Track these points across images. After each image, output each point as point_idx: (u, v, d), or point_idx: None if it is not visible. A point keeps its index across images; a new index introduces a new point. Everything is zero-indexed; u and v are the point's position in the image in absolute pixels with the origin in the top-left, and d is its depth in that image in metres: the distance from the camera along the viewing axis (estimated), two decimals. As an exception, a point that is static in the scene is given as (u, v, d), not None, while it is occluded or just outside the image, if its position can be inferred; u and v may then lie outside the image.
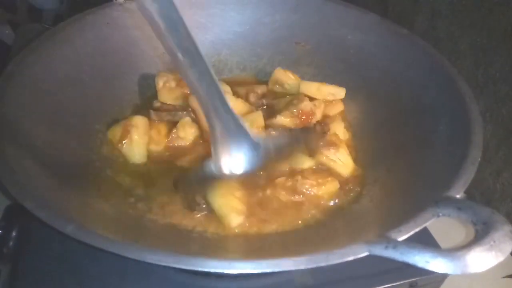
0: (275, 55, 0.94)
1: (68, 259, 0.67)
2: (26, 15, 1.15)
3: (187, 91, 0.81)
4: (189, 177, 0.72)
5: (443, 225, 0.75)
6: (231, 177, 0.67)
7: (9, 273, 0.67)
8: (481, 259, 0.43)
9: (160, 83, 0.83)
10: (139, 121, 0.76)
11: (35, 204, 0.49)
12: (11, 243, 0.69)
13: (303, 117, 0.81)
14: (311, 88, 0.87)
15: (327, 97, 0.87)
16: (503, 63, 0.87)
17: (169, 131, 0.79)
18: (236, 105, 0.80)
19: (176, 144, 0.78)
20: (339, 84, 0.88)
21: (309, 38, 0.93)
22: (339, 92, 0.87)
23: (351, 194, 0.73)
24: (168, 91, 0.83)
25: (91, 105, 0.77)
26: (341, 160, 0.75)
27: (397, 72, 0.82)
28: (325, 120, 0.83)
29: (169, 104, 0.83)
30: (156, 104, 0.83)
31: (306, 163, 0.75)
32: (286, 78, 0.90)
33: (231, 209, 0.66)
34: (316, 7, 0.92)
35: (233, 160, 0.66)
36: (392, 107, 0.80)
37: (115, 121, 0.78)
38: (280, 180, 0.72)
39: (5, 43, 1.12)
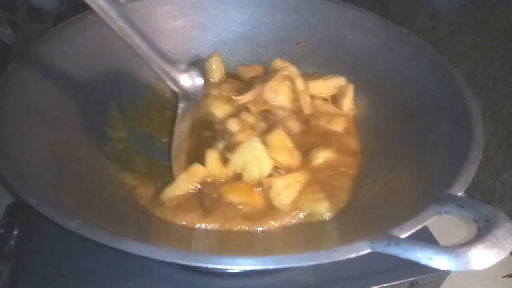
0: (276, 55, 0.93)
1: (69, 258, 0.67)
2: (26, 15, 1.15)
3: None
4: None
5: (444, 224, 0.75)
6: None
7: (10, 272, 0.67)
8: (484, 256, 0.43)
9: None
10: None
11: (39, 201, 0.49)
12: (12, 242, 0.69)
13: None
14: (318, 85, 0.88)
15: (333, 91, 0.88)
16: (503, 63, 0.87)
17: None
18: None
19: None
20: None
21: (310, 38, 0.93)
22: (341, 81, 0.88)
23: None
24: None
25: (91, 104, 0.77)
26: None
27: (397, 72, 0.82)
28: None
29: None
30: None
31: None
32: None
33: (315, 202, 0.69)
34: (317, 7, 0.92)
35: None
36: (392, 106, 0.80)
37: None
38: None
39: (5, 43, 1.12)
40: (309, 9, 0.92)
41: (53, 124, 0.68)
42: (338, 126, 0.83)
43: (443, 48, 0.98)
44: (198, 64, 0.85)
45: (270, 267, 0.45)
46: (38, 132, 0.64)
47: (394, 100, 0.81)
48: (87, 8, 0.81)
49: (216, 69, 0.88)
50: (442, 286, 0.74)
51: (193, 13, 0.90)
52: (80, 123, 0.73)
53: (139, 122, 0.82)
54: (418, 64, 0.80)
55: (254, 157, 0.70)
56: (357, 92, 0.87)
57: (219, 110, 0.80)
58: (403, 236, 0.47)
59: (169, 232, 0.63)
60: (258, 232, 0.65)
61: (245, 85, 0.86)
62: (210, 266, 0.45)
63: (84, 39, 0.79)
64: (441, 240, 0.73)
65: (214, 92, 0.83)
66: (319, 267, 0.68)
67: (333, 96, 0.89)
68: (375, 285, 0.67)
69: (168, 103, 0.86)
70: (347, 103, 0.86)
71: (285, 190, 0.69)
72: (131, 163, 0.75)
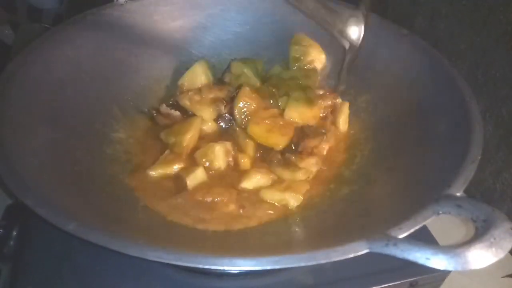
0: (275, 55, 0.93)
1: (68, 258, 0.67)
2: (26, 15, 1.15)
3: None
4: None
5: (443, 224, 0.75)
6: None
7: (9, 272, 0.67)
8: (482, 256, 0.43)
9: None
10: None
11: (37, 202, 0.49)
12: (11, 243, 0.69)
13: None
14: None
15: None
16: (503, 63, 0.87)
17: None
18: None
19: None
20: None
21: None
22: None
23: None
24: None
25: (91, 105, 0.77)
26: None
27: (397, 72, 0.82)
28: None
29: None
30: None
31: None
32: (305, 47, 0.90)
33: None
34: (316, 8, 0.92)
35: None
36: (392, 106, 0.80)
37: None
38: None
39: (5, 43, 1.12)
40: (309, 9, 0.92)
41: (53, 124, 0.68)
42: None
43: (443, 48, 0.98)
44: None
45: (268, 267, 0.45)
46: (38, 132, 0.64)
47: (393, 100, 0.81)
48: (87, 8, 0.81)
49: (201, 75, 0.87)
50: (441, 286, 0.74)
51: (193, 13, 0.90)
52: (80, 123, 0.73)
53: (138, 123, 0.82)
54: (418, 64, 0.79)
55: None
56: (356, 92, 0.87)
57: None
58: (401, 236, 0.47)
59: (168, 233, 0.64)
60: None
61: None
62: (207, 267, 0.45)
63: (84, 39, 0.79)
64: (440, 240, 0.72)
65: (197, 97, 0.83)
66: (318, 268, 0.69)
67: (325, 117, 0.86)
68: (374, 286, 0.67)
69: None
70: (343, 120, 0.84)
71: None
72: (131, 164, 0.75)
